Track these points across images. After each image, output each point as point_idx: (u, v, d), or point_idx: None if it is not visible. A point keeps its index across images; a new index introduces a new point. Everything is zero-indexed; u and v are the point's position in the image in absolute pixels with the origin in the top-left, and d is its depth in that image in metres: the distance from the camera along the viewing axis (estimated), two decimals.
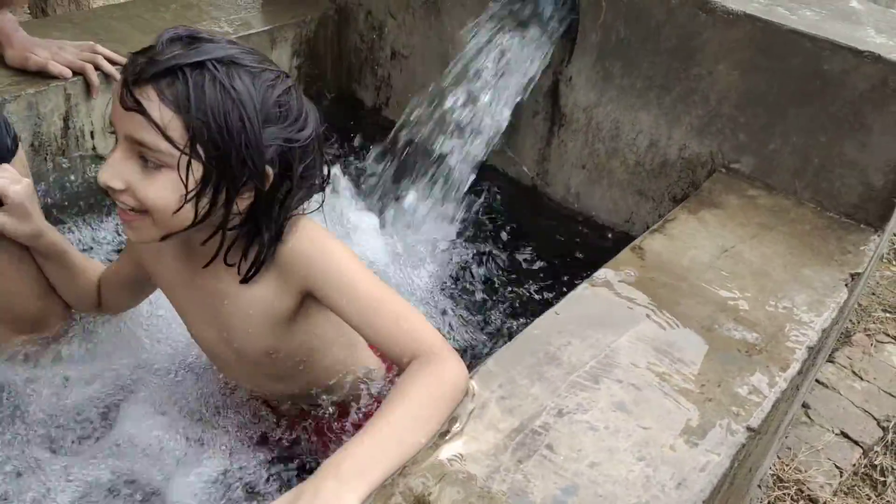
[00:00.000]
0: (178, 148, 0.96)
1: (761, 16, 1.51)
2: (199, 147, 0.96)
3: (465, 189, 1.89)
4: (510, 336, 1.67)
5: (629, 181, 1.84)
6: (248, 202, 1.04)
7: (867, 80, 1.42)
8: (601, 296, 1.28)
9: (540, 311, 1.25)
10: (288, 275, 1.12)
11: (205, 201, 1.00)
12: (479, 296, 1.81)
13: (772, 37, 1.50)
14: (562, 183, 1.98)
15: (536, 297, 1.83)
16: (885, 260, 3.26)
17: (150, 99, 0.94)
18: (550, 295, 1.83)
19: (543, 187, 2.02)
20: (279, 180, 1.04)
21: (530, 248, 1.99)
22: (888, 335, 2.83)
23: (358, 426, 1.24)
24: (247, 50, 1.01)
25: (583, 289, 1.30)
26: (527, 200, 2.05)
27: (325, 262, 1.10)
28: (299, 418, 1.36)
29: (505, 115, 1.84)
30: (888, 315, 2.93)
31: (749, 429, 1.05)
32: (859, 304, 2.91)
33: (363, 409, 1.27)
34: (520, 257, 1.95)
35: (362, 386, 1.28)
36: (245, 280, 1.12)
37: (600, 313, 1.24)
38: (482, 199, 1.99)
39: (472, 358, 1.62)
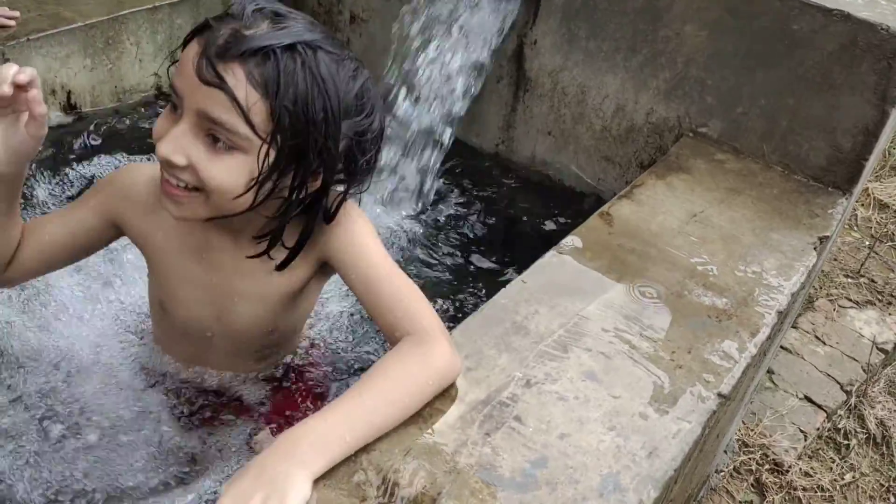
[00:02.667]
0: (258, 134, 0.91)
1: None
2: (278, 134, 0.91)
3: (434, 163, 1.85)
4: (477, 306, 1.64)
5: (596, 147, 1.81)
6: (312, 189, 1.01)
7: (836, 40, 1.39)
8: (568, 263, 1.25)
9: (508, 279, 1.21)
10: (311, 247, 1.09)
11: (267, 186, 0.95)
12: (444, 267, 1.77)
13: None
14: (528, 149, 1.94)
15: (504, 266, 1.79)
16: (846, 226, 3.29)
17: (237, 78, 0.88)
18: (518, 262, 1.79)
19: (509, 154, 1.98)
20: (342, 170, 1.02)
21: (496, 217, 1.94)
22: (850, 300, 2.86)
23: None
24: (326, 33, 0.96)
25: (550, 256, 1.26)
26: (492, 167, 2.01)
27: (347, 232, 1.08)
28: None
29: (467, 81, 1.79)
30: (850, 280, 2.96)
31: (720, 395, 1.03)
32: (822, 270, 2.93)
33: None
34: (486, 227, 1.91)
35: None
36: (281, 267, 1.08)
37: (568, 281, 1.20)
38: (446, 169, 1.94)
39: None
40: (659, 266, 1.26)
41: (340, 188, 1.06)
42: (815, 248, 1.34)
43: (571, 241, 1.30)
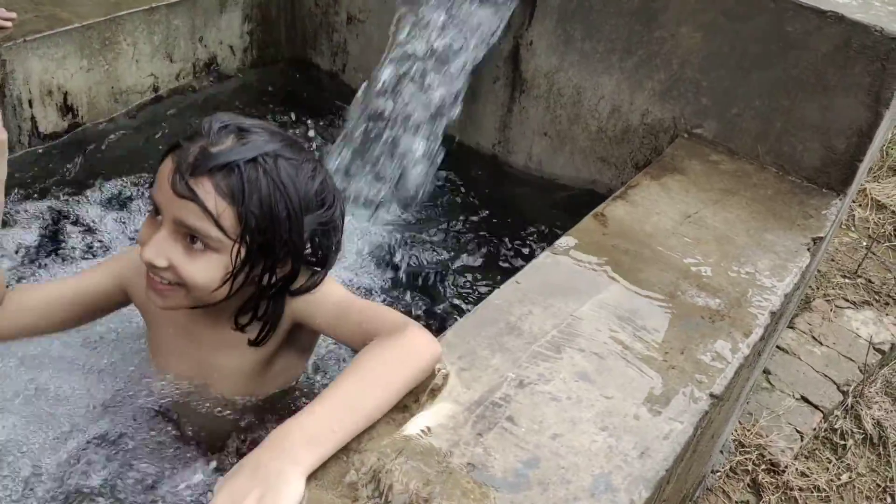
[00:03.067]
0: (228, 236, 1.02)
1: None
2: (247, 234, 1.02)
3: (430, 167, 1.85)
4: (472, 306, 1.64)
5: (591, 148, 1.81)
6: (282, 275, 1.11)
7: (830, 42, 1.40)
8: (563, 263, 1.25)
9: (502, 280, 1.21)
10: (287, 321, 1.19)
11: (241, 278, 1.06)
12: (440, 267, 1.77)
13: None
14: (524, 150, 1.94)
15: (499, 265, 1.80)
16: (843, 226, 3.30)
17: (206, 190, 1.00)
18: (513, 263, 1.80)
19: (505, 155, 1.99)
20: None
21: (492, 216, 1.95)
22: (847, 300, 2.86)
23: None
24: (286, 141, 1.07)
25: (544, 257, 1.27)
26: (488, 169, 2.01)
27: (320, 304, 1.15)
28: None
29: (463, 82, 1.79)
30: (847, 281, 2.96)
31: (712, 395, 1.03)
32: (819, 271, 2.93)
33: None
34: (481, 227, 1.91)
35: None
36: (256, 343, 1.17)
37: (562, 281, 1.21)
38: (443, 169, 1.94)
39: (435, 330, 1.58)
40: (653, 267, 1.26)
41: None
42: (808, 249, 1.34)
43: (566, 241, 1.31)
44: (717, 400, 1.04)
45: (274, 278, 1.10)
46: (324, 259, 1.16)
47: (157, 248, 1.03)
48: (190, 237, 1.03)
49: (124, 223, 1.80)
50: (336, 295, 1.16)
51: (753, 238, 1.35)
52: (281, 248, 1.06)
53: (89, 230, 1.76)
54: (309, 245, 1.12)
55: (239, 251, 1.03)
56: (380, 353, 0.97)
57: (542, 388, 1.00)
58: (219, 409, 1.25)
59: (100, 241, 1.74)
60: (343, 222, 1.17)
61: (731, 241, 1.34)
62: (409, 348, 0.98)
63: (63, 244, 1.71)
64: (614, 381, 1.03)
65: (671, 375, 1.05)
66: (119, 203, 1.84)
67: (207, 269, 1.04)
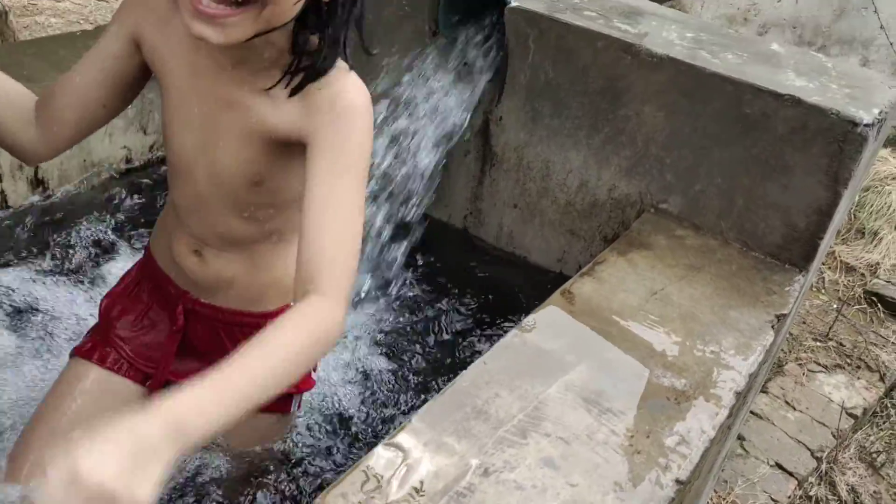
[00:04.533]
0: None
1: (684, 59, 1.52)
2: None
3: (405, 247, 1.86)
4: (441, 385, 1.64)
5: (560, 221, 1.83)
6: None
7: (788, 123, 1.44)
8: (530, 343, 1.25)
9: (471, 357, 1.22)
10: (305, 111, 1.01)
11: None
12: (409, 345, 1.77)
13: (695, 80, 1.51)
14: (494, 222, 1.96)
15: (469, 341, 1.80)
16: (814, 288, 3.34)
17: None
18: (483, 339, 1.80)
19: (476, 227, 2.00)
20: None
21: (462, 290, 1.96)
22: (819, 364, 2.89)
23: None
24: None
25: (512, 336, 1.27)
26: (459, 241, 2.02)
27: (340, 130, 1.00)
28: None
29: (434, 158, 1.82)
30: (818, 344, 2.99)
31: (678, 482, 1.03)
32: (790, 334, 2.96)
33: None
34: (451, 301, 1.92)
35: None
36: (293, 92, 1.00)
37: (529, 362, 1.21)
38: (414, 241, 1.96)
39: (402, 413, 1.57)
40: (620, 346, 1.27)
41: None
42: (772, 327, 1.36)
43: (533, 319, 1.31)
44: (682, 485, 1.04)
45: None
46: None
47: None
48: None
49: (93, 295, 1.79)
50: (343, 177, 0.98)
51: (718, 315, 1.37)
52: None
53: (58, 302, 1.75)
54: None
55: None
56: (297, 334, 0.89)
57: (507, 476, 1.00)
58: None
59: (74, 313, 1.72)
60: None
61: (696, 318, 1.36)
62: (327, 337, 0.92)
63: (30, 317, 1.69)
64: (580, 468, 1.03)
65: (637, 461, 1.05)
66: (90, 276, 1.83)
67: None
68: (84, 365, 1.28)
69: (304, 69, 0.99)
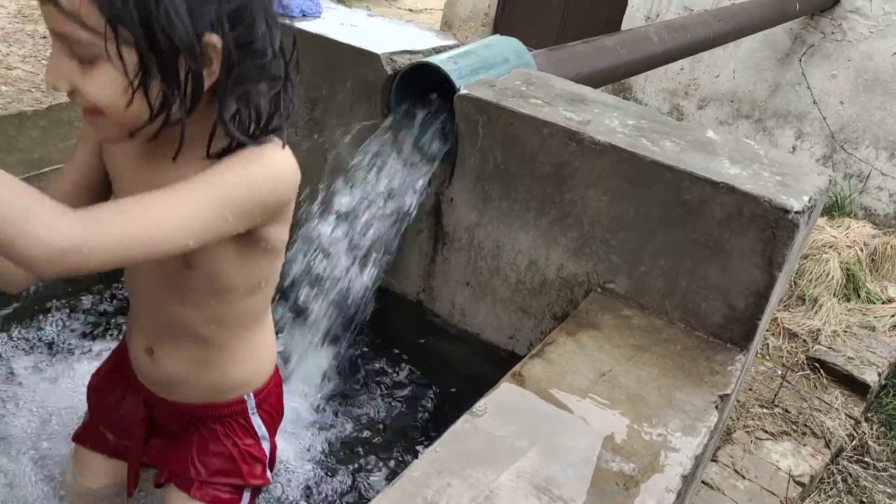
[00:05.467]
0: (97, 34, 0.86)
1: (625, 147, 1.59)
2: (120, 29, 0.85)
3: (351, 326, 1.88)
4: (395, 472, 1.63)
5: (511, 299, 1.87)
6: (210, 81, 0.93)
7: (724, 210, 1.51)
8: (481, 429, 1.27)
9: (425, 441, 1.22)
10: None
11: (156, 90, 0.90)
12: (359, 430, 1.76)
13: (636, 167, 1.58)
14: (447, 299, 1.99)
15: (421, 417, 1.80)
16: (759, 355, 3.42)
17: None
18: (435, 415, 1.81)
19: (429, 303, 2.03)
20: (231, 55, 0.93)
21: (416, 365, 1.97)
22: (766, 431, 2.94)
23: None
24: None
25: (463, 422, 1.28)
26: (413, 316, 2.04)
27: (232, 165, 0.98)
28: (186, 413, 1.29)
29: (388, 238, 1.85)
30: (765, 411, 3.05)
31: None
32: (738, 401, 3.02)
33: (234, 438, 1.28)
34: (405, 376, 1.92)
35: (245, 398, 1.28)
36: (175, 156, 0.98)
37: (481, 449, 1.22)
38: (368, 316, 1.97)
39: (355, 502, 1.56)
40: (569, 430, 1.29)
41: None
42: (716, 407, 1.39)
43: (485, 404, 1.33)
44: None
45: (190, 87, 0.91)
46: (254, 59, 0.94)
47: (54, 69, 0.90)
48: (74, 50, 0.88)
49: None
50: (214, 175, 0.94)
51: (664, 397, 1.41)
52: (167, 41, 0.86)
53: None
54: (224, 36, 0.91)
55: (119, 51, 0.86)
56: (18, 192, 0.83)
57: None
58: None
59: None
60: (266, 5, 0.94)
61: (643, 400, 1.39)
62: (37, 221, 0.83)
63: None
64: None
65: None
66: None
67: (106, 84, 0.89)
68: (82, 452, 1.41)
69: (221, 151, 0.99)
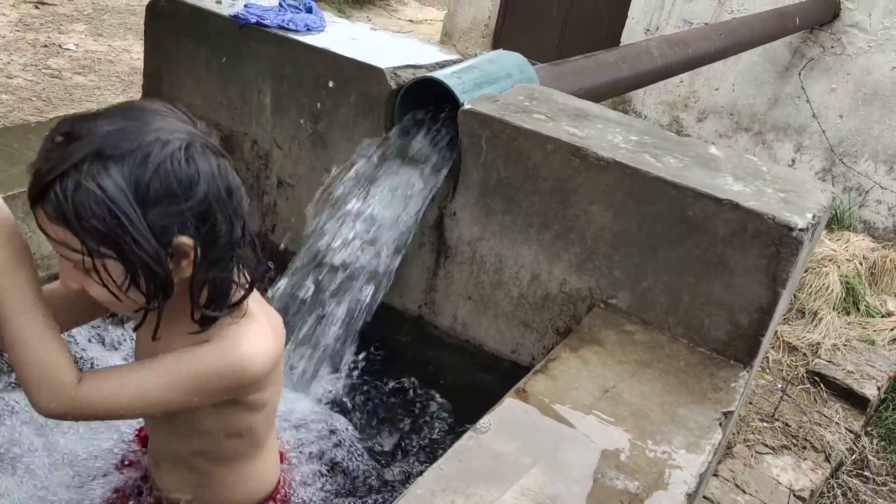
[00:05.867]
0: (82, 254, 0.99)
1: (629, 163, 1.60)
2: (92, 250, 0.99)
3: (353, 340, 1.87)
4: (398, 481, 1.63)
5: (514, 313, 1.87)
6: (185, 274, 1.07)
7: (728, 226, 1.51)
8: (485, 446, 1.26)
9: (426, 450, 1.22)
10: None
11: (144, 282, 1.03)
12: (364, 439, 1.76)
13: (639, 183, 1.58)
14: (449, 313, 1.99)
15: (424, 432, 1.80)
16: (759, 368, 3.42)
17: (44, 220, 0.99)
18: (438, 430, 1.80)
19: (431, 317, 2.03)
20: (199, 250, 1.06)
21: (419, 379, 1.96)
22: (766, 445, 2.94)
23: None
24: (120, 126, 0.99)
25: (467, 438, 1.28)
26: (415, 330, 2.04)
27: (197, 351, 1.13)
28: None
29: (390, 253, 1.85)
30: (765, 425, 3.05)
31: None
32: (738, 415, 3.02)
33: None
34: (407, 390, 1.92)
35: None
36: (154, 334, 1.13)
37: (484, 466, 1.22)
38: (370, 331, 1.96)
39: None
40: (573, 447, 1.29)
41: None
42: (720, 424, 1.39)
43: (488, 421, 1.33)
44: None
45: (159, 280, 1.03)
46: (221, 251, 1.07)
47: (64, 275, 1.07)
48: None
49: None
50: (169, 360, 1.12)
51: (668, 413, 1.40)
52: (136, 252, 0.99)
53: None
54: (191, 239, 1.03)
55: (101, 265, 1.00)
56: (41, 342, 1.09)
57: None
58: None
59: None
60: (221, 202, 1.04)
61: (647, 416, 1.39)
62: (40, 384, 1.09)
63: None
64: None
65: None
66: None
67: (101, 288, 1.03)
68: None
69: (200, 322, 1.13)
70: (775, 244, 1.47)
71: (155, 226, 1.00)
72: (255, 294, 1.20)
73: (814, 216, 1.50)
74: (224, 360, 1.13)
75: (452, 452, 1.25)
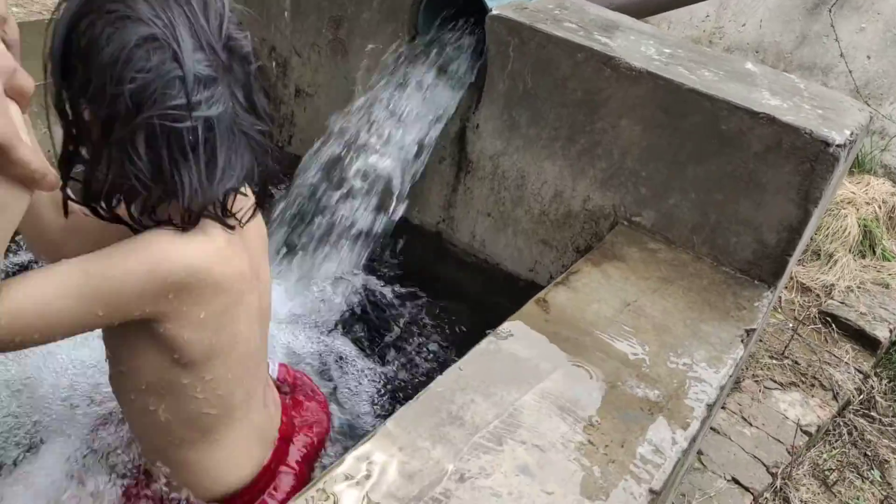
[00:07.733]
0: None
1: (662, 74, 1.54)
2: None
3: (372, 238, 1.85)
4: (416, 390, 1.62)
5: (534, 230, 1.84)
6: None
7: (762, 141, 1.46)
8: (505, 350, 1.25)
9: (446, 364, 1.21)
10: None
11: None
12: (382, 349, 1.75)
13: (672, 95, 1.53)
14: (467, 229, 1.96)
15: (442, 347, 1.79)
16: (772, 307, 3.40)
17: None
18: (458, 346, 1.79)
19: (449, 233, 2.00)
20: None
21: (435, 296, 1.95)
22: (774, 381, 2.94)
23: None
24: None
25: (487, 343, 1.26)
26: (432, 246, 2.02)
27: (119, 248, 0.97)
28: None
29: (410, 160, 1.81)
30: (774, 362, 3.05)
31: (651, 491, 1.04)
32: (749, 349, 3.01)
33: None
34: (424, 306, 1.91)
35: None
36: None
37: (504, 369, 1.21)
38: (387, 245, 1.94)
39: (374, 416, 1.56)
40: (594, 355, 1.28)
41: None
42: (742, 341, 1.37)
43: (509, 327, 1.31)
44: (655, 495, 1.04)
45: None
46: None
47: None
48: None
49: None
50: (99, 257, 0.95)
51: (690, 328, 1.38)
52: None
53: None
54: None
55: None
56: None
57: (482, 482, 0.99)
58: None
59: None
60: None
61: (668, 330, 1.37)
62: None
63: None
64: (555, 476, 1.02)
65: (611, 470, 1.05)
66: None
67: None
68: None
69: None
70: (811, 160, 1.42)
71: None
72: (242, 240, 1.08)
73: (851, 133, 1.45)
74: (139, 250, 0.97)
75: (472, 355, 1.23)
